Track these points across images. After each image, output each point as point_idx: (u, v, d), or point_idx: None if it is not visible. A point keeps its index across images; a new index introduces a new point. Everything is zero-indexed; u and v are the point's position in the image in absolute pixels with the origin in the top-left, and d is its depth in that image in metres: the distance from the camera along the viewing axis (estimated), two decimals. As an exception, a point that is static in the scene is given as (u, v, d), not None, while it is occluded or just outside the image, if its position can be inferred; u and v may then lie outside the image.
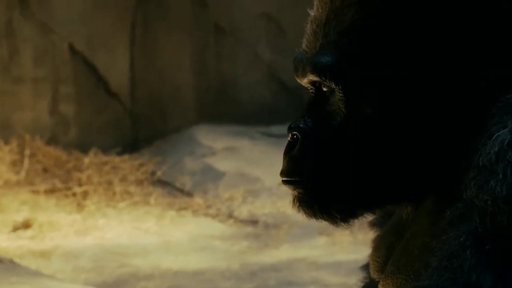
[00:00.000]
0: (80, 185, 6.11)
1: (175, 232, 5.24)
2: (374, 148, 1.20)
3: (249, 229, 5.24)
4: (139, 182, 6.16)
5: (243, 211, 5.46)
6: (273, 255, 4.77)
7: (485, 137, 1.07)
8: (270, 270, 4.52)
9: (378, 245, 1.38)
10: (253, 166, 5.96)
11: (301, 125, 1.25)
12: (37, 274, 4.11)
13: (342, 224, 1.29)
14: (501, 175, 1.02)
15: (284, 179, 1.28)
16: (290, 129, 1.27)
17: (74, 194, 5.97)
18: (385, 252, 1.33)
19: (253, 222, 5.32)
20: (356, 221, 1.33)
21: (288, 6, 6.77)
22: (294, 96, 6.90)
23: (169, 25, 6.69)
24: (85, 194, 6.02)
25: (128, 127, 6.75)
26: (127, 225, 5.43)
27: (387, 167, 1.20)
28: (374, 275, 1.36)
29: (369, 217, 1.45)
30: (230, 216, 5.44)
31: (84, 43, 6.56)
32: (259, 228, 5.23)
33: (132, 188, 6.06)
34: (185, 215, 5.56)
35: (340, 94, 1.21)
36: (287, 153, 1.27)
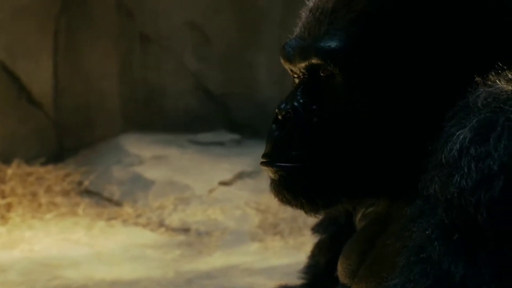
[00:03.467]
0: (3, 197, 5.96)
1: (106, 242, 5.18)
2: (365, 135, 1.24)
3: (181, 237, 5.24)
4: (66, 193, 6.06)
5: (174, 219, 5.45)
6: (207, 262, 4.79)
7: (445, 137, 1.14)
8: (205, 277, 4.54)
9: (348, 253, 1.41)
10: (182, 174, 5.95)
11: (295, 104, 1.27)
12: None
13: (321, 210, 1.31)
14: (466, 169, 1.08)
15: (266, 160, 1.29)
16: (281, 109, 1.28)
17: (-3, 207, 5.83)
18: (357, 259, 1.37)
19: (185, 230, 5.33)
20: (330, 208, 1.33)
21: (212, 15, 6.81)
22: (220, 104, 6.94)
23: (94, 33, 6.62)
24: (9, 206, 5.88)
25: (52, 136, 6.63)
26: (55, 237, 5.34)
27: (375, 157, 1.24)
28: (345, 281, 1.40)
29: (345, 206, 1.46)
30: (161, 224, 5.43)
31: (4, 51, 6.42)
32: (191, 236, 5.23)
33: (59, 199, 5.96)
34: (115, 225, 5.51)
35: (341, 79, 1.24)
36: (273, 134, 1.28)
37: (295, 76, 1.34)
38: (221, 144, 6.48)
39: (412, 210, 1.15)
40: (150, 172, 5.99)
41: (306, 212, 1.30)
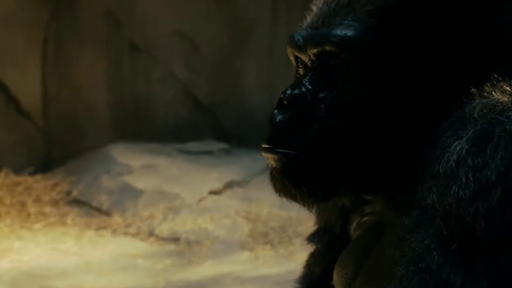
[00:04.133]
0: (-9, 207, 5.94)
1: (96, 252, 5.16)
2: (371, 127, 1.23)
3: (171, 246, 5.23)
4: (54, 202, 6.04)
5: (164, 229, 5.44)
6: (198, 271, 4.79)
7: (441, 147, 1.15)
8: (196, 286, 4.54)
9: (344, 262, 1.42)
10: (172, 183, 5.95)
11: (303, 90, 1.25)
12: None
13: (320, 202, 1.29)
14: (463, 180, 1.09)
15: (267, 146, 1.26)
16: (286, 95, 1.26)
17: (-15, 217, 5.81)
18: (353, 268, 1.37)
19: (175, 239, 5.32)
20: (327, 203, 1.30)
21: (201, 24, 6.82)
22: (209, 113, 6.95)
23: (83, 42, 6.61)
24: (-3, 216, 5.86)
25: (41, 146, 6.61)
26: (44, 247, 5.32)
27: (379, 149, 1.24)
28: (341, 289, 1.41)
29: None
30: (151, 234, 5.42)
31: (-8, 60, 6.41)
32: (181, 245, 5.22)
33: (47, 209, 5.94)
34: (104, 234, 5.49)
35: (355, 68, 1.23)
36: (276, 118, 1.26)
37: (300, 66, 1.33)
38: (210, 153, 6.48)
39: (410, 220, 1.16)
40: (139, 182, 5.98)
41: (304, 204, 1.28)
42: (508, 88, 1.16)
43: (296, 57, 1.33)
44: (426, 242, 1.11)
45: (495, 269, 1.05)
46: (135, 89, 6.81)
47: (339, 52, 1.24)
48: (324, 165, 1.24)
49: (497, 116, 1.12)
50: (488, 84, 1.18)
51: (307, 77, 1.27)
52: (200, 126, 6.82)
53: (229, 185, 6.01)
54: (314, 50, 1.27)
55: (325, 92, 1.25)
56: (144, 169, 6.13)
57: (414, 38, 1.24)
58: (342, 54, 1.24)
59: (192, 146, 6.52)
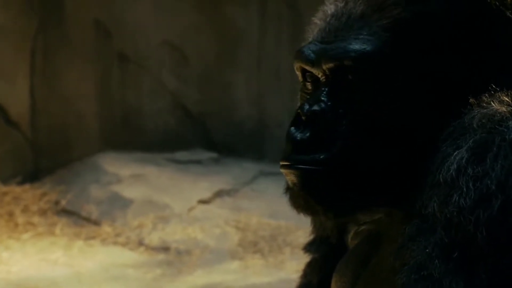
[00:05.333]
0: (-21, 217, 5.91)
1: (85, 263, 5.15)
2: (392, 140, 1.24)
3: (161, 256, 5.22)
4: (43, 212, 6.01)
5: (154, 238, 5.43)
6: (188, 281, 4.78)
7: (441, 157, 1.17)
8: (187, 296, 4.54)
9: (342, 271, 1.42)
10: (161, 193, 5.94)
11: (322, 105, 1.25)
12: None
13: (341, 218, 1.30)
14: (464, 189, 1.11)
15: (287, 163, 1.26)
16: (304, 110, 1.25)
17: (-27, 227, 5.77)
18: (351, 277, 1.38)
19: (165, 249, 5.31)
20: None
21: (191, 35, 6.84)
22: (198, 123, 6.96)
23: (71, 53, 6.61)
24: (-16, 227, 5.83)
25: (29, 156, 6.59)
26: (33, 257, 5.29)
27: (400, 162, 1.24)
28: (340, 299, 1.42)
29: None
30: (140, 243, 5.40)
31: (-20, 71, 6.40)
32: (171, 255, 5.22)
33: (36, 219, 5.91)
34: (93, 244, 5.47)
35: (372, 82, 1.24)
36: (295, 135, 1.25)
37: (309, 81, 1.33)
38: (199, 162, 6.48)
39: (410, 229, 1.18)
40: (128, 191, 5.97)
41: (325, 220, 1.29)
42: (506, 98, 1.18)
43: (304, 72, 1.33)
44: (427, 250, 1.13)
45: (496, 277, 1.07)
46: (124, 100, 6.81)
47: (358, 67, 1.25)
48: (348, 180, 1.24)
49: (496, 126, 1.14)
50: (486, 95, 1.20)
51: (325, 92, 1.27)
52: (189, 136, 6.82)
53: (219, 194, 6.01)
54: (331, 65, 1.27)
55: (344, 107, 1.26)
56: (133, 179, 6.12)
57: (427, 51, 1.25)
58: (361, 69, 1.25)
59: (181, 155, 6.52)
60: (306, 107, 1.26)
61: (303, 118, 1.26)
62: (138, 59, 6.79)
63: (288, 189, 1.29)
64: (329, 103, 1.26)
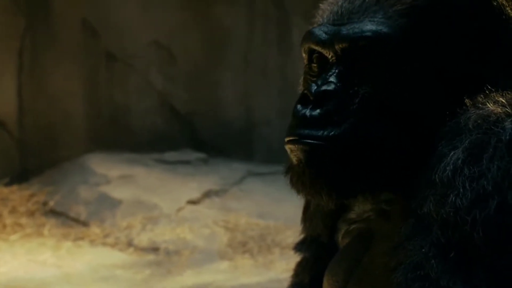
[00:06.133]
0: (-34, 218, 5.88)
1: (74, 263, 5.13)
2: (402, 122, 1.24)
3: (151, 256, 5.21)
4: (31, 213, 5.99)
5: (143, 239, 5.42)
6: (178, 281, 4.77)
7: (437, 156, 1.17)
8: (177, 296, 4.53)
9: (334, 270, 1.42)
10: (150, 193, 5.93)
11: (333, 86, 1.25)
12: None
13: (344, 199, 1.28)
14: (460, 189, 1.12)
15: (293, 138, 1.24)
16: (313, 90, 1.25)
17: (-40, 229, 5.74)
18: (343, 276, 1.38)
19: (154, 249, 5.30)
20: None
21: (178, 34, 6.83)
22: (186, 123, 6.95)
23: (59, 52, 6.58)
24: (-28, 228, 5.80)
25: (17, 156, 6.56)
26: (21, 258, 5.27)
27: (405, 144, 1.24)
28: (332, 297, 1.42)
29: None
30: (129, 244, 5.39)
31: (-34, 71, 6.36)
32: (161, 255, 5.21)
33: (24, 220, 5.89)
34: (82, 245, 5.45)
35: (386, 64, 1.24)
36: (303, 112, 1.24)
37: (315, 63, 1.32)
38: (187, 162, 6.48)
39: (406, 228, 1.18)
40: (117, 192, 5.95)
41: (327, 200, 1.26)
42: (501, 99, 1.19)
43: (311, 53, 1.33)
44: (424, 250, 1.13)
45: (494, 277, 1.08)
46: (112, 99, 6.79)
47: (373, 48, 1.25)
48: (356, 159, 1.23)
49: (492, 126, 1.14)
50: (482, 95, 1.20)
51: (335, 73, 1.27)
52: (177, 135, 6.81)
53: (207, 194, 6.01)
54: (344, 45, 1.27)
55: (356, 87, 1.25)
56: (122, 179, 6.11)
57: (440, 39, 1.26)
58: (376, 50, 1.25)
59: (170, 156, 6.51)
60: (314, 87, 1.25)
61: (311, 98, 1.25)
62: (125, 58, 6.77)
63: (289, 169, 1.27)
64: (339, 84, 1.25)
